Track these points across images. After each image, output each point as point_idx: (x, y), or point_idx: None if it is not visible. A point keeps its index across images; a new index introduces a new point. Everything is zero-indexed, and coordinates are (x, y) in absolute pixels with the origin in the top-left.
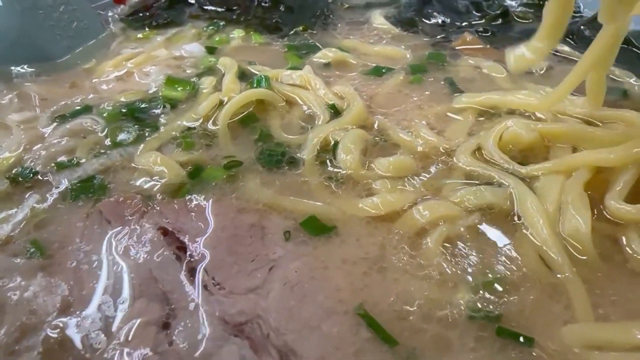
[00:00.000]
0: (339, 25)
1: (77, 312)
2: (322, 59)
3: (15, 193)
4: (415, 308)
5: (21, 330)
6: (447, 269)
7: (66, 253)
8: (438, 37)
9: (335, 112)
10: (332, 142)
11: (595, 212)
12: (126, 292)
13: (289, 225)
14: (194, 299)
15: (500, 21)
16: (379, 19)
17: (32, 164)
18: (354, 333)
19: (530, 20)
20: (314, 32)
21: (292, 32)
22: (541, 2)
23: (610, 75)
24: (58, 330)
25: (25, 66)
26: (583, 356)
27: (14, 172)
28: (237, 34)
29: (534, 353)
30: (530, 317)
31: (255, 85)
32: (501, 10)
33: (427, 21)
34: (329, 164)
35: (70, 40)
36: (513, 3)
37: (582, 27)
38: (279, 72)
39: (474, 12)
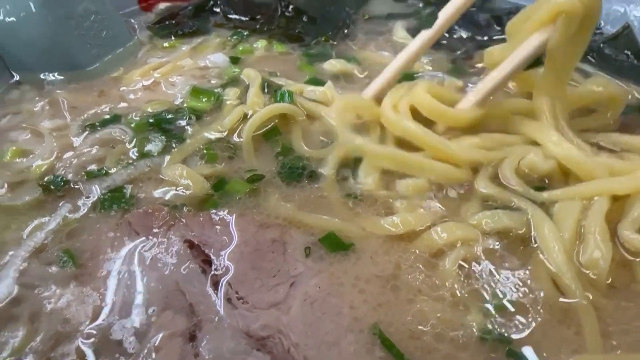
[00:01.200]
0: (358, 35)
1: (108, 322)
2: (329, 69)
3: (47, 201)
4: (428, 328)
5: (56, 338)
6: (461, 291)
7: (97, 263)
8: (458, 52)
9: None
10: (353, 159)
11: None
12: (154, 303)
13: (309, 241)
14: (218, 312)
15: None
16: (400, 32)
17: (63, 172)
18: (369, 351)
19: None
20: (335, 42)
21: (314, 42)
22: None
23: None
24: (91, 339)
25: (55, 74)
26: None
27: (46, 179)
28: (260, 44)
29: None
30: (540, 342)
31: (279, 100)
32: None
33: (447, 35)
34: (349, 181)
35: (99, 49)
36: None
37: (602, 44)
38: (302, 86)
39: (495, 25)
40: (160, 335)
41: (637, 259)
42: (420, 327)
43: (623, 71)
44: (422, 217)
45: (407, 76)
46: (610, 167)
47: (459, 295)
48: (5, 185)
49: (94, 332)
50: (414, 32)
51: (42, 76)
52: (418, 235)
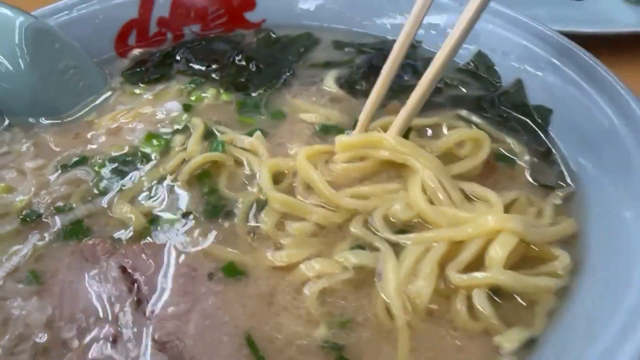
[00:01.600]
0: (294, 85)
1: (58, 326)
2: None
3: (23, 231)
4: (282, 336)
5: (19, 337)
6: (316, 311)
7: (54, 281)
8: None
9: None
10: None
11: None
12: (91, 314)
13: (214, 267)
14: (135, 323)
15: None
16: (329, 81)
17: (37, 207)
18: (239, 350)
19: (459, 87)
20: (271, 90)
21: (256, 91)
22: (474, 70)
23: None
24: (45, 338)
25: (42, 119)
26: None
27: (24, 213)
28: (210, 92)
29: None
30: (364, 352)
31: (213, 148)
32: None
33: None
34: (254, 220)
35: (77, 97)
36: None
37: (496, 98)
38: (234, 136)
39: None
40: (95, 337)
41: (457, 293)
42: (277, 334)
43: (507, 123)
44: (299, 253)
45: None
46: (454, 217)
47: (313, 314)
48: None
49: (46, 334)
50: (344, 81)
51: (29, 120)
52: (295, 267)
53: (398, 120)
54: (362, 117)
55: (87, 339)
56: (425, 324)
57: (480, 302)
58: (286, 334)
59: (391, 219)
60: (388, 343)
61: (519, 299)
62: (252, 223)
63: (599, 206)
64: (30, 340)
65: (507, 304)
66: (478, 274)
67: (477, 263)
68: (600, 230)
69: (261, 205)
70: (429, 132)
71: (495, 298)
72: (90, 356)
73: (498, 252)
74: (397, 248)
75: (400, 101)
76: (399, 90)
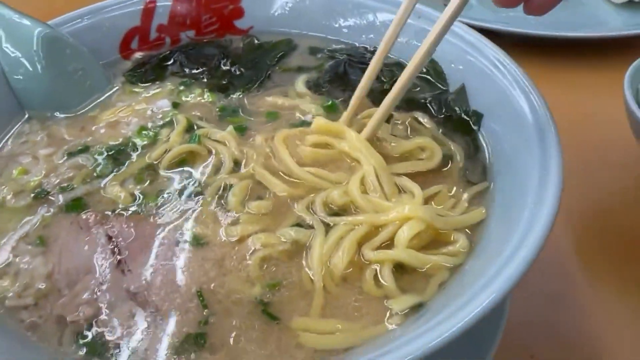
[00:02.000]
0: (269, 88)
1: (55, 278)
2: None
3: (34, 205)
4: (224, 291)
5: (25, 286)
6: (254, 274)
7: (56, 245)
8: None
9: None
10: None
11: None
12: (81, 270)
13: (181, 236)
14: (114, 278)
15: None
16: (299, 83)
17: (47, 187)
18: (191, 300)
19: (418, 89)
20: (250, 93)
21: (235, 93)
22: (426, 75)
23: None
24: (45, 287)
25: (56, 113)
26: (301, 335)
27: (36, 191)
28: (196, 92)
29: (278, 326)
30: (286, 307)
31: (191, 140)
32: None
33: (334, 90)
34: (221, 202)
35: (84, 95)
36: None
37: (442, 101)
38: (209, 130)
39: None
40: (80, 288)
41: (368, 267)
42: (220, 290)
43: (449, 125)
44: (248, 227)
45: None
46: (379, 205)
47: (251, 276)
48: (12, 193)
49: (46, 283)
50: (312, 84)
51: (45, 114)
52: (245, 239)
53: (372, 121)
54: (349, 110)
55: (77, 287)
56: (338, 288)
57: (383, 273)
58: (227, 290)
59: (330, 204)
60: (305, 301)
61: (421, 273)
62: (218, 203)
63: (502, 198)
64: (33, 287)
65: (409, 277)
66: (385, 251)
67: (391, 244)
68: (498, 219)
69: (227, 188)
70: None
71: (402, 272)
72: (78, 299)
73: (404, 234)
74: (328, 228)
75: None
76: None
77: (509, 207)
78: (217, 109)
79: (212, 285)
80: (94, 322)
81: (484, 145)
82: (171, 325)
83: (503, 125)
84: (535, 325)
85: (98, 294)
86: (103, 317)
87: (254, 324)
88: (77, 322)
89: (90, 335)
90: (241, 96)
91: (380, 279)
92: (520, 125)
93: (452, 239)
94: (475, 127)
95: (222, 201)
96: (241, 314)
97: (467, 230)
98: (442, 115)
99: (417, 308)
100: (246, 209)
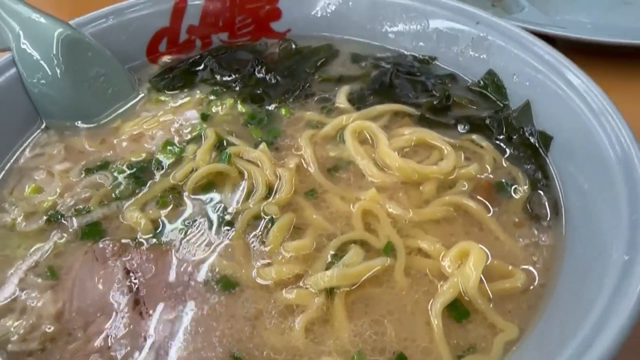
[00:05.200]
0: (307, 99)
1: (66, 318)
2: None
3: (47, 229)
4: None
5: (31, 326)
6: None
7: (68, 278)
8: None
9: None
10: (266, 218)
11: None
12: (96, 309)
13: (209, 277)
14: (131, 320)
15: (436, 103)
16: (341, 97)
17: (61, 209)
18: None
19: (467, 107)
20: (287, 105)
21: (271, 105)
22: (483, 90)
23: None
24: (53, 329)
25: (78, 122)
26: None
27: (49, 213)
28: (228, 103)
29: None
30: None
31: (219, 159)
32: (444, 94)
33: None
34: (254, 235)
35: (106, 103)
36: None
37: (502, 120)
38: (241, 148)
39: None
40: (93, 332)
41: None
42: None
43: (511, 148)
44: (281, 270)
45: None
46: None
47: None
48: (22, 215)
49: (55, 324)
50: (355, 97)
51: (64, 124)
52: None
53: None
54: None
55: (90, 330)
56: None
57: None
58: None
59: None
60: None
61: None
62: (252, 236)
63: (583, 238)
64: (40, 329)
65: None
66: None
67: None
68: (576, 263)
69: (264, 220)
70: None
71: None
72: (90, 346)
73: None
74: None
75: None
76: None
77: (586, 260)
78: (247, 117)
79: (250, 345)
80: None
81: (554, 174)
82: None
83: (578, 156)
84: None
85: (112, 341)
86: None
87: None
88: None
89: None
90: (277, 108)
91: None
92: (600, 157)
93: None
94: (543, 152)
95: (255, 235)
96: None
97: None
98: (503, 137)
99: None
100: (282, 249)
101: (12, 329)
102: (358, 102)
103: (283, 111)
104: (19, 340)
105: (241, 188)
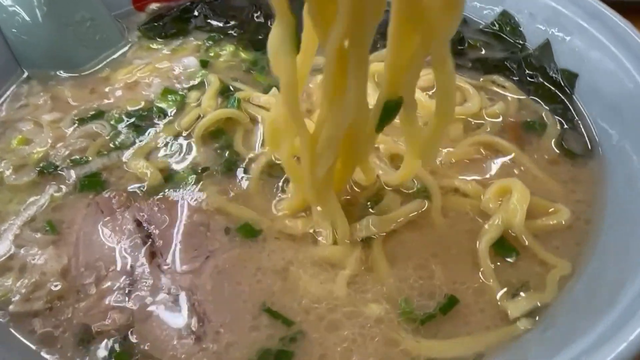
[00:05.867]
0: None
1: (72, 275)
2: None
3: (40, 182)
4: (305, 299)
5: (35, 285)
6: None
7: (70, 232)
8: None
9: None
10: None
11: None
12: (106, 263)
13: (227, 225)
14: (149, 274)
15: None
16: None
17: (54, 159)
18: (254, 317)
19: (482, 49)
20: None
21: None
22: (497, 31)
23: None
24: (60, 286)
25: (61, 72)
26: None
27: (41, 165)
28: (228, 49)
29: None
30: None
31: (230, 105)
32: (457, 36)
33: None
34: (272, 182)
35: (94, 51)
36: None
37: (522, 60)
38: (250, 93)
39: None
40: (108, 286)
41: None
42: (298, 299)
43: (533, 87)
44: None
45: None
46: None
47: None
48: (11, 168)
49: (61, 282)
50: None
51: (47, 73)
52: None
53: None
54: None
55: (104, 286)
56: None
57: None
58: (312, 298)
59: None
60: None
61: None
62: (270, 183)
63: (621, 173)
64: (45, 287)
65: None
66: None
67: None
68: (618, 199)
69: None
70: None
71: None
72: (106, 302)
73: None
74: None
75: None
76: None
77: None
78: (249, 64)
79: (283, 295)
80: (129, 333)
81: (582, 111)
82: (233, 342)
83: (605, 92)
84: None
85: (130, 296)
86: (139, 326)
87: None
88: (107, 333)
89: (123, 350)
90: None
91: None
92: (629, 92)
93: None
94: (569, 90)
95: (274, 182)
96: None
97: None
98: (523, 76)
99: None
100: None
101: (13, 289)
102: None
103: None
104: (21, 300)
105: (256, 133)
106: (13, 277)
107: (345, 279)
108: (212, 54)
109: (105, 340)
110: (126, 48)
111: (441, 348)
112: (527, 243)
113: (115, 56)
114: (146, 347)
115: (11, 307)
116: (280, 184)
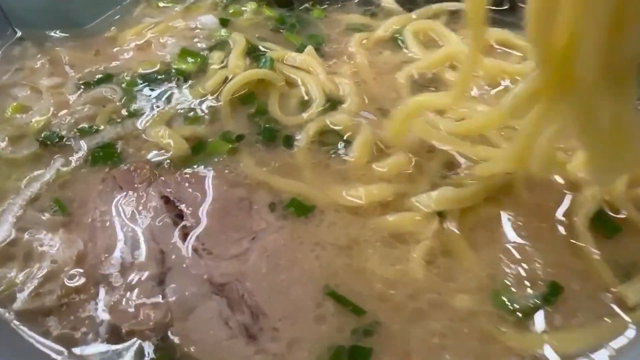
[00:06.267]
0: (348, 3)
1: (90, 264)
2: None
3: (43, 155)
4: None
5: (45, 276)
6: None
7: (84, 212)
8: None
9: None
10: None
11: None
12: (131, 250)
13: (275, 201)
14: (185, 260)
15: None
16: None
17: (58, 128)
18: (319, 305)
19: None
20: (323, 6)
21: (302, 7)
22: None
23: None
24: (75, 279)
25: (57, 31)
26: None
27: (43, 135)
28: (250, 6)
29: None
30: None
31: (260, 65)
32: None
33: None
34: (325, 150)
35: (97, 8)
36: None
37: None
38: (284, 53)
39: None
40: (135, 278)
41: None
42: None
43: None
44: (378, 192)
45: None
46: None
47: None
48: (7, 139)
49: (77, 273)
50: None
51: (43, 33)
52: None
53: None
54: None
55: (130, 277)
56: None
57: None
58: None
59: None
60: None
61: None
62: (321, 152)
63: None
64: (58, 279)
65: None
66: None
67: None
68: None
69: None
70: None
71: None
72: (135, 296)
73: None
74: None
75: None
76: None
77: None
78: (275, 22)
79: (349, 278)
80: (168, 333)
81: None
82: (296, 339)
83: None
84: None
85: (162, 287)
86: (180, 324)
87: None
88: (140, 333)
89: (162, 354)
90: (306, 10)
91: None
92: None
93: None
94: None
95: (326, 151)
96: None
97: None
98: None
99: None
100: (374, 167)
101: (18, 281)
102: (407, 1)
103: (315, 13)
104: (29, 295)
105: (294, 97)
106: (17, 267)
107: (422, 255)
108: (231, 11)
109: (139, 342)
110: (132, 6)
111: (551, 344)
112: (630, 215)
113: (121, 15)
114: (192, 350)
115: (17, 303)
116: (341, 149)
